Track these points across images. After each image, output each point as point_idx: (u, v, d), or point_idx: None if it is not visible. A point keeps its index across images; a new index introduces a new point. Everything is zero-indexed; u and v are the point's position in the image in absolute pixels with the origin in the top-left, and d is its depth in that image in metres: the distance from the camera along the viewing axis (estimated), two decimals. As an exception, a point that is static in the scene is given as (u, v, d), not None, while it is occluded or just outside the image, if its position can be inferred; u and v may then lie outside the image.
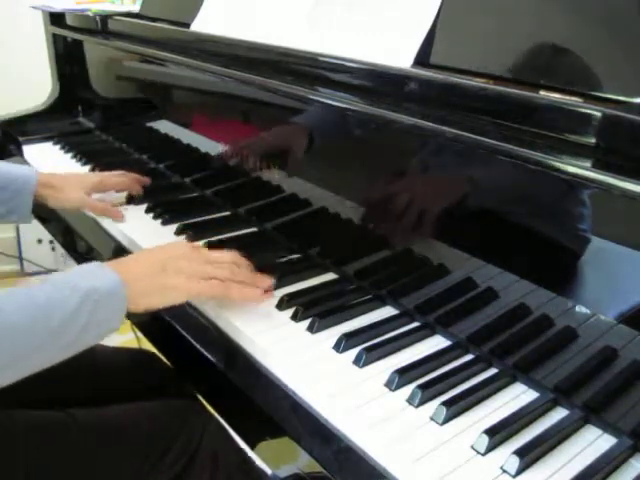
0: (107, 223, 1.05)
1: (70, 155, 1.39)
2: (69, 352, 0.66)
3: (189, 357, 0.77)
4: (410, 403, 0.62)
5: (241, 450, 0.91)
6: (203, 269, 0.74)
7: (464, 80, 0.68)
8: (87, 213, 1.10)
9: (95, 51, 1.44)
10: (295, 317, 0.76)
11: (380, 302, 0.79)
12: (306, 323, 0.74)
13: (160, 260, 0.73)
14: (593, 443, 0.59)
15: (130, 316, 0.72)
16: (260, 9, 1.00)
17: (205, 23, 1.09)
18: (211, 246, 0.91)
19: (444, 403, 0.61)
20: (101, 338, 0.68)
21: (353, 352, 0.69)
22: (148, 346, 0.93)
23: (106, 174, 1.14)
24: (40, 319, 0.62)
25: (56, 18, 1.54)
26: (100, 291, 0.65)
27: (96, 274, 0.68)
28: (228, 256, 0.78)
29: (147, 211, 1.07)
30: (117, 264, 0.72)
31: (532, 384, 0.65)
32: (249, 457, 0.92)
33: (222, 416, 0.75)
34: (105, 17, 1.34)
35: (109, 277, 0.68)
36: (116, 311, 0.68)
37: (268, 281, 0.78)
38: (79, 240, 1.10)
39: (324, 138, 0.87)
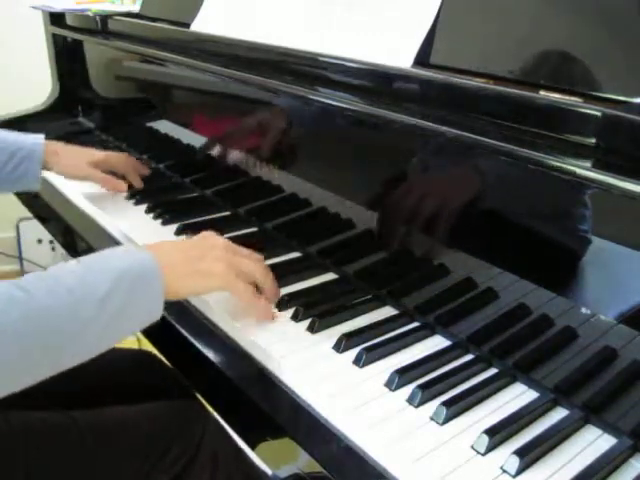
0: (107, 223, 1.05)
1: (70, 155, 1.39)
2: (104, 343, 0.62)
3: (189, 357, 0.77)
4: (410, 403, 0.62)
5: (241, 450, 0.91)
6: (240, 261, 0.72)
7: (464, 80, 0.68)
8: (87, 213, 1.10)
9: (95, 51, 1.44)
10: (295, 317, 0.76)
11: (380, 302, 0.79)
12: (306, 323, 0.74)
13: (198, 246, 0.72)
14: (593, 443, 0.59)
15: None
16: (260, 9, 1.00)
17: (205, 23, 1.09)
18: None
19: (444, 403, 0.61)
20: (139, 326, 0.65)
21: (353, 352, 0.69)
22: (148, 346, 0.93)
23: (110, 153, 1.17)
24: (72, 304, 0.58)
25: (56, 18, 1.54)
26: (135, 272, 0.62)
27: (131, 255, 0.65)
28: (259, 257, 0.77)
29: (147, 211, 1.07)
30: (153, 248, 0.69)
31: (532, 384, 0.65)
32: (249, 457, 0.92)
33: (222, 416, 0.75)
34: (105, 17, 1.34)
35: (145, 258, 0.65)
36: (154, 295, 0.64)
37: (274, 313, 0.77)
38: (79, 240, 1.10)
39: (323, 138, 0.87)
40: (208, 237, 0.75)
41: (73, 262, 0.64)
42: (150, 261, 0.65)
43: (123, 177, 1.14)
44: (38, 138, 1.09)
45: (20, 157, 1.04)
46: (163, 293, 0.65)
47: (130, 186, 1.14)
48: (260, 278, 0.74)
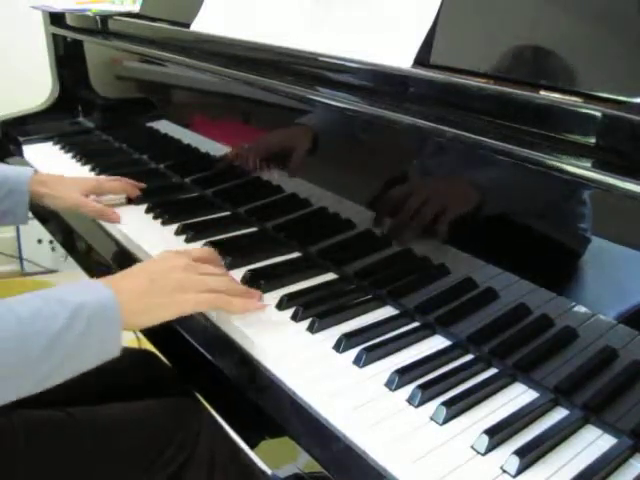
0: (107, 223, 1.05)
1: (70, 155, 1.39)
2: (62, 374, 0.60)
3: (189, 357, 0.77)
4: (410, 403, 0.62)
5: (240, 450, 0.91)
6: (200, 280, 0.71)
7: (464, 80, 0.68)
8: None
9: (95, 51, 1.44)
10: (295, 317, 0.76)
11: (380, 302, 0.79)
12: (306, 323, 0.74)
13: (152, 276, 0.69)
14: (593, 443, 0.59)
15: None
16: (260, 9, 1.00)
17: (205, 23, 1.09)
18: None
19: (444, 403, 0.61)
20: (94, 363, 0.62)
21: (353, 352, 0.69)
22: (148, 346, 0.93)
23: (102, 178, 1.14)
24: (25, 336, 0.55)
25: (56, 18, 1.54)
26: (91, 306, 0.60)
27: (89, 289, 0.63)
28: (217, 269, 0.75)
29: (147, 211, 1.07)
30: (109, 281, 0.67)
31: (532, 384, 0.65)
32: (248, 457, 0.92)
33: (222, 416, 0.75)
34: (105, 17, 1.34)
35: (102, 293, 0.63)
36: (111, 332, 0.62)
37: (257, 293, 0.77)
38: (79, 240, 1.10)
39: (324, 138, 0.87)
40: (167, 258, 0.73)
41: (29, 295, 0.61)
42: (108, 297, 0.63)
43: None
44: (25, 170, 1.05)
45: (6, 190, 1.00)
46: (121, 330, 0.63)
47: (129, 200, 1.12)
48: (226, 290, 0.72)
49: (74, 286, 0.64)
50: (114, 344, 0.63)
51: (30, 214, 1.31)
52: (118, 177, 1.13)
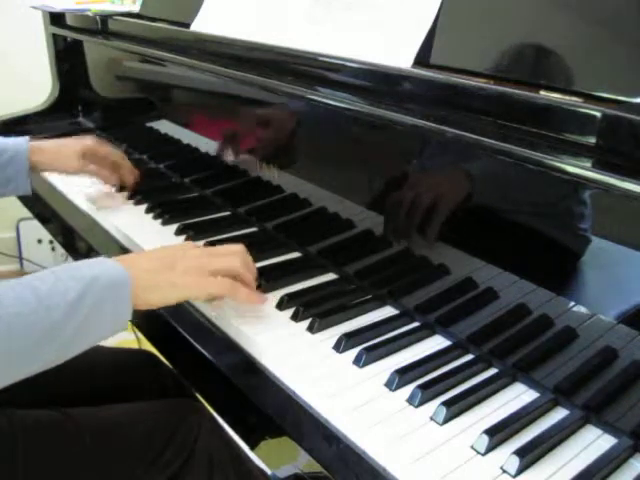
0: (107, 223, 1.05)
1: (70, 155, 1.39)
2: (70, 351, 0.63)
3: (189, 357, 0.77)
4: (410, 403, 0.62)
5: (240, 450, 0.91)
6: (210, 262, 0.72)
7: (464, 80, 0.68)
8: (87, 213, 1.10)
9: (95, 51, 1.44)
10: (295, 317, 0.76)
11: (380, 302, 0.79)
12: (306, 323, 0.74)
13: (167, 256, 0.71)
14: (593, 443, 0.59)
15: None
16: (260, 9, 1.00)
17: (205, 23, 1.09)
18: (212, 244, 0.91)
19: (444, 403, 0.61)
20: (105, 336, 0.65)
21: (353, 352, 0.69)
22: (148, 346, 0.93)
23: (97, 142, 1.14)
24: (42, 311, 0.59)
25: (56, 18, 1.54)
26: (103, 280, 0.63)
27: (101, 264, 0.66)
28: (238, 246, 0.77)
29: (147, 211, 1.07)
30: (122, 259, 0.70)
31: (532, 384, 0.65)
32: (248, 457, 0.92)
33: (222, 416, 0.75)
34: (105, 17, 1.34)
35: (114, 267, 0.66)
36: (122, 304, 0.65)
37: (262, 296, 0.78)
38: (79, 240, 1.10)
39: (323, 138, 0.87)
40: (184, 247, 0.76)
41: (46, 271, 0.64)
42: (119, 271, 0.65)
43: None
44: (22, 139, 1.07)
45: (6, 159, 1.02)
46: (131, 303, 0.65)
47: (122, 187, 1.13)
48: (239, 271, 0.73)
49: (89, 261, 0.67)
50: (125, 317, 0.65)
51: (30, 214, 1.32)
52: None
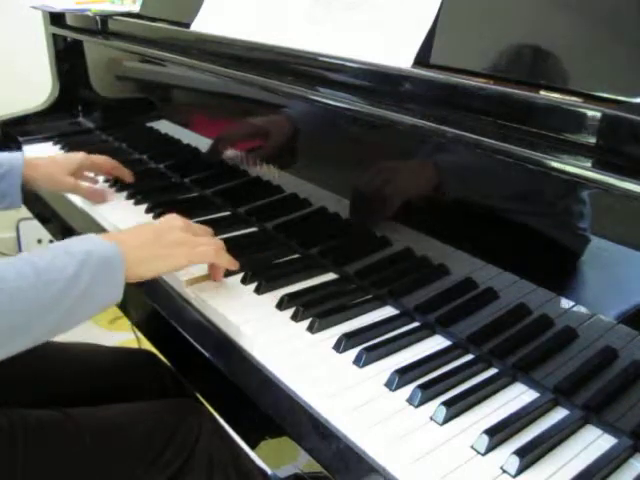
0: (107, 223, 1.05)
1: (70, 155, 1.39)
2: (70, 321, 0.66)
3: (189, 357, 0.77)
4: (410, 403, 0.62)
5: (240, 450, 0.91)
6: (196, 240, 0.78)
7: (464, 80, 0.68)
8: (87, 213, 1.11)
9: (95, 51, 1.44)
10: (295, 317, 0.76)
11: (380, 302, 0.79)
12: (306, 323, 0.74)
13: (155, 231, 0.77)
14: (593, 443, 0.59)
15: (130, 316, 0.71)
16: (260, 9, 1.00)
17: (205, 23, 1.09)
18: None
19: (444, 403, 0.61)
20: (100, 309, 0.68)
21: (353, 352, 0.69)
22: (148, 346, 0.93)
23: (85, 155, 1.16)
24: (41, 285, 0.62)
25: (56, 18, 1.54)
26: (97, 255, 0.67)
27: (93, 241, 0.70)
28: (211, 235, 0.84)
29: (147, 211, 1.07)
30: (108, 236, 0.75)
31: (532, 384, 0.65)
32: (248, 457, 0.92)
33: (222, 416, 0.75)
34: (105, 17, 1.34)
35: (105, 244, 0.69)
36: (115, 278, 0.68)
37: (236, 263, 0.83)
38: (79, 240, 1.10)
39: (323, 138, 0.87)
40: (168, 219, 0.81)
41: (43, 249, 0.68)
42: (111, 247, 0.69)
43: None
44: (16, 154, 1.08)
45: (2, 172, 1.02)
46: (124, 277, 0.69)
47: (122, 182, 1.16)
48: (215, 258, 0.80)
49: (81, 238, 0.71)
50: (118, 290, 0.69)
51: (30, 214, 1.32)
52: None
